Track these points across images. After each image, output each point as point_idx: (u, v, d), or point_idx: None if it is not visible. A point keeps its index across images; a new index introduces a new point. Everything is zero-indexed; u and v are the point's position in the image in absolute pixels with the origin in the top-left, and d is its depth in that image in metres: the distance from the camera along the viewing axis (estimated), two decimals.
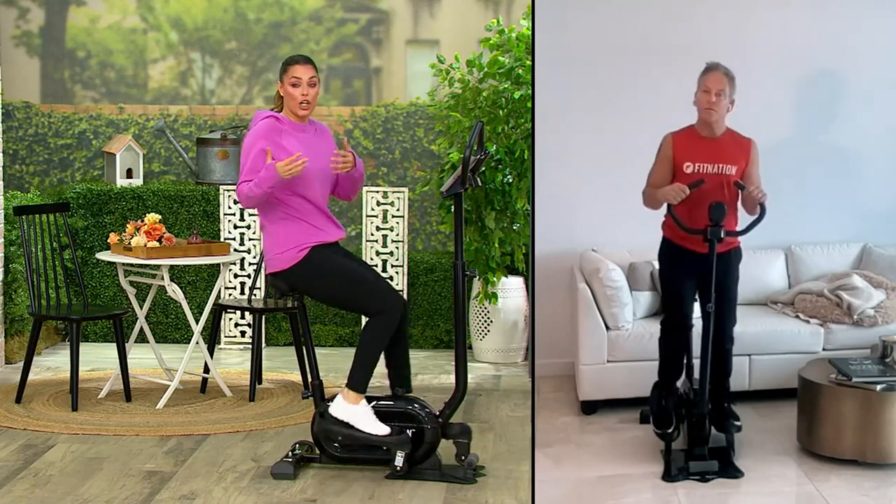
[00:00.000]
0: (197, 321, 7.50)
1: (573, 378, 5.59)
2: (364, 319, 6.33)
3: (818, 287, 5.62)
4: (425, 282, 8.92)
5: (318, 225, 5.98)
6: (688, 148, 5.15)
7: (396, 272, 8.72)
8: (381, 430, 5.89)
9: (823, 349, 5.58)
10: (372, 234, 8.73)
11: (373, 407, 5.96)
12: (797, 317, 5.63)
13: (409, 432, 5.89)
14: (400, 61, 9.64)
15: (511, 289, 8.55)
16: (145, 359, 8.16)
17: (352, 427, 5.90)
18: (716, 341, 5.26)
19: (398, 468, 5.85)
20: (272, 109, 6.07)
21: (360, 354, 5.91)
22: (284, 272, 5.97)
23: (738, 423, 5.29)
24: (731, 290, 5.30)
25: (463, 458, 5.92)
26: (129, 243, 7.15)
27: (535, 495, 4.97)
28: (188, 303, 8.42)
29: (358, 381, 5.91)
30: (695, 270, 5.26)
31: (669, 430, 5.26)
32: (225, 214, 8.82)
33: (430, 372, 8.20)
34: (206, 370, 7.47)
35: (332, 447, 5.98)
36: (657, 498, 5.12)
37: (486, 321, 8.56)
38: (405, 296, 8.70)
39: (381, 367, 5.97)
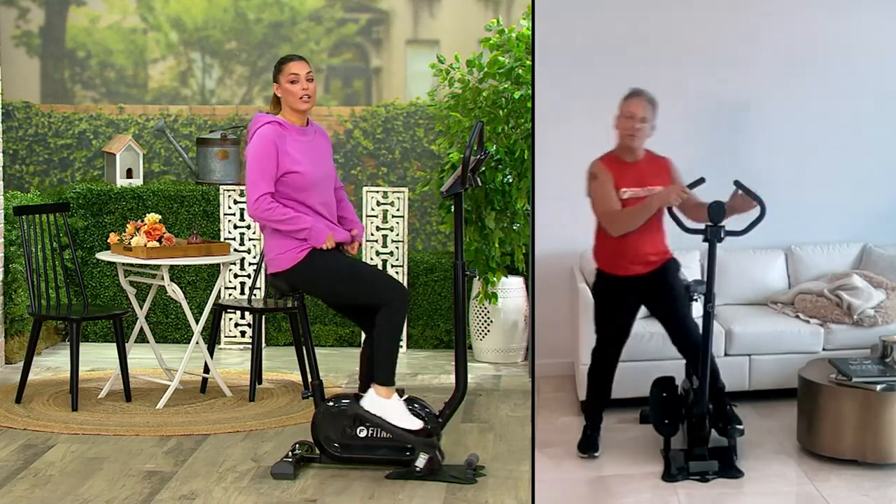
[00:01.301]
0: (197, 321, 7.50)
1: (573, 378, 5.58)
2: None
3: (818, 287, 5.62)
4: (425, 282, 8.92)
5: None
6: (619, 173, 5.16)
7: (396, 272, 8.72)
8: (414, 424, 5.89)
9: (823, 349, 5.58)
10: (372, 234, 8.73)
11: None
12: (797, 317, 5.63)
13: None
14: (400, 61, 9.65)
15: (511, 289, 8.55)
16: (145, 359, 8.16)
17: (383, 420, 5.90)
18: (689, 350, 5.28)
19: (418, 469, 5.85)
20: (268, 113, 6.07)
21: (379, 349, 5.92)
22: (285, 272, 5.97)
23: (740, 426, 5.29)
24: (676, 303, 5.30)
25: (420, 463, 5.89)
26: (129, 243, 7.16)
27: (535, 495, 4.97)
28: (188, 303, 8.42)
29: (385, 375, 5.93)
30: (637, 295, 5.27)
31: (667, 423, 5.26)
32: (225, 214, 8.82)
33: (430, 372, 8.20)
34: (206, 370, 7.47)
35: (333, 447, 5.98)
36: (657, 498, 5.12)
37: (486, 321, 8.56)
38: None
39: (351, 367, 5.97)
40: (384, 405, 5.92)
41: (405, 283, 8.71)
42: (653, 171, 5.21)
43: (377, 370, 5.94)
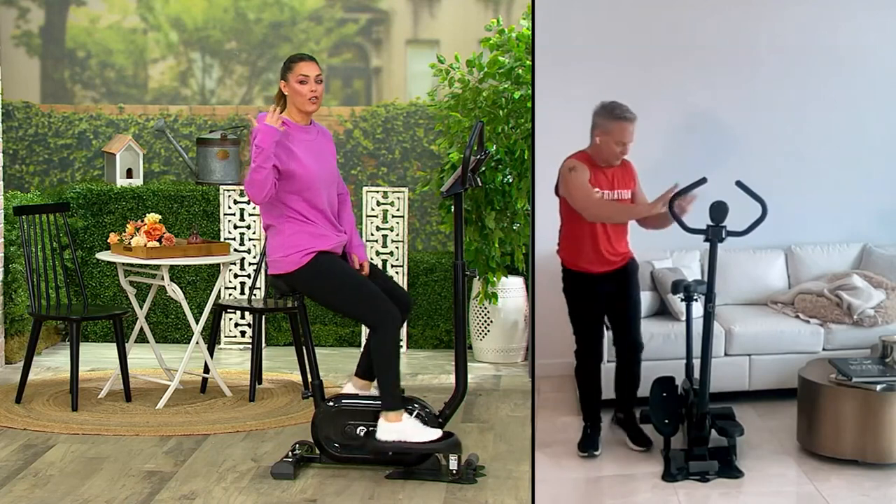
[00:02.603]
0: (197, 321, 7.50)
1: (573, 378, 5.58)
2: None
3: (818, 287, 5.62)
4: (425, 282, 8.92)
5: (323, 229, 5.97)
6: (593, 173, 5.17)
7: (396, 272, 8.72)
8: (433, 434, 5.88)
9: (823, 349, 5.57)
10: (372, 234, 8.73)
11: (373, 408, 5.96)
12: (797, 317, 5.63)
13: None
14: (400, 61, 9.64)
15: (511, 289, 8.55)
16: (145, 359, 8.16)
17: (404, 442, 5.89)
18: (627, 350, 5.30)
19: (454, 472, 5.85)
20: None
21: (379, 376, 5.91)
22: (287, 275, 5.96)
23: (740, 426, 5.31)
24: (632, 298, 5.33)
25: (453, 466, 5.91)
26: (129, 243, 7.16)
27: (535, 495, 4.97)
28: (188, 303, 8.42)
29: (390, 401, 5.91)
30: (603, 292, 5.28)
31: (667, 423, 5.27)
32: (225, 214, 8.82)
33: (430, 372, 8.20)
34: (206, 370, 7.47)
35: (333, 447, 5.98)
36: (657, 498, 5.11)
37: (486, 321, 8.56)
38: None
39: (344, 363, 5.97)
40: (399, 429, 5.90)
41: (405, 284, 8.71)
42: (622, 175, 5.22)
43: (381, 397, 5.92)
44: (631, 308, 5.34)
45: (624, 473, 5.29)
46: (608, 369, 5.50)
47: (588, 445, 5.30)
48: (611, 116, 5.10)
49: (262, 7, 9.56)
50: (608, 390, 5.42)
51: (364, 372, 6.14)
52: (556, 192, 5.19)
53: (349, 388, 6.14)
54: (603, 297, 5.31)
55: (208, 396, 7.41)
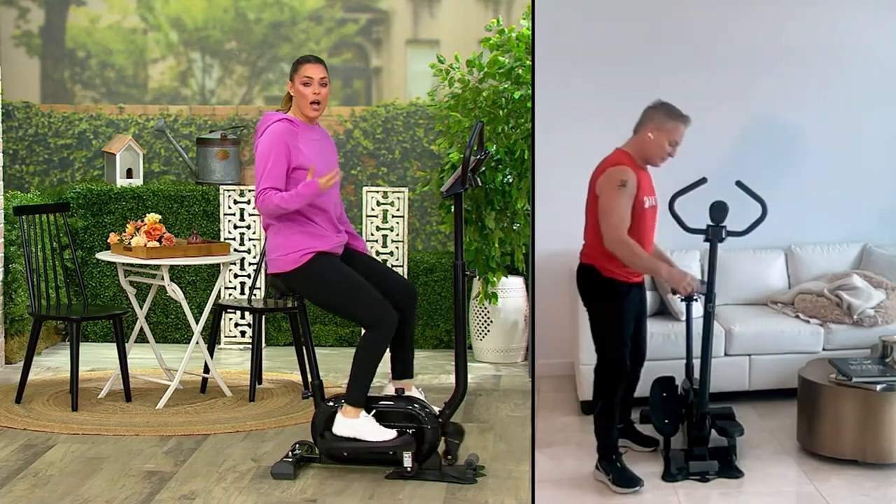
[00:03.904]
0: (197, 321, 7.50)
1: (573, 378, 5.58)
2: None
3: (818, 287, 5.62)
4: (425, 282, 8.91)
5: (324, 230, 5.98)
6: (641, 180, 5.10)
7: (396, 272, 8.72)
8: (387, 435, 5.88)
9: (823, 349, 5.58)
10: (372, 234, 8.73)
11: (373, 408, 5.96)
12: (797, 317, 5.63)
13: (410, 432, 5.90)
14: (400, 61, 9.64)
15: (511, 289, 8.55)
16: (145, 359, 8.16)
17: (357, 440, 5.89)
18: (637, 360, 5.28)
19: (408, 469, 5.85)
20: (279, 110, 6.07)
21: (355, 369, 5.90)
22: (285, 274, 5.97)
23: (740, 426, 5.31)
24: (646, 318, 5.33)
25: (450, 457, 5.92)
26: (129, 243, 7.16)
27: (535, 495, 4.98)
28: (188, 303, 8.42)
29: (355, 396, 5.91)
30: (636, 301, 5.23)
31: (667, 423, 5.26)
32: (225, 214, 8.82)
33: (430, 372, 8.20)
34: (206, 370, 7.47)
35: (341, 455, 5.97)
36: (657, 498, 5.12)
37: (486, 321, 8.56)
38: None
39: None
40: (354, 426, 5.90)
41: None
42: (651, 182, 5.21)
43: (348, 389, 5.92)
44: (647, 318, 5.33)
45: None
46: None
47: (635, 479, 5.18)
48: (668, 115, 5.02)
49: (262, 7, 9.56)
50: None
51: (399, 373, 6.12)
52: (590, 193, 5.11)
53: (389, 390, 6.11)
54: (634, 307, 5.29)
55: (208, 396, 7.41)
